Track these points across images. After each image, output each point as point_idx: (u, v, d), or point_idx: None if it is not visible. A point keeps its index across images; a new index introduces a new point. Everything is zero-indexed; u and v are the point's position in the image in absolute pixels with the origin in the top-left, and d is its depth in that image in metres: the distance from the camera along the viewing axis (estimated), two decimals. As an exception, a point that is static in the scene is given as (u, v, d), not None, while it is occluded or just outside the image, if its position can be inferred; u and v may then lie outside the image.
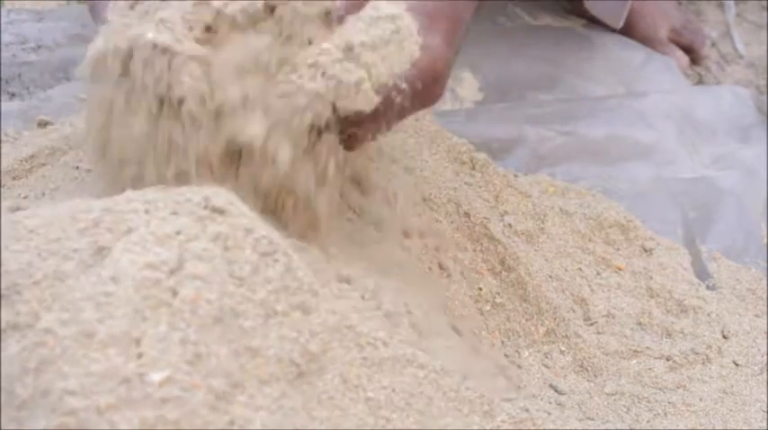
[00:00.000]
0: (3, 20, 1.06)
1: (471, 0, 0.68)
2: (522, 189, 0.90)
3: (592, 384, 0.77)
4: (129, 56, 0.61)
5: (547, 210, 0.89)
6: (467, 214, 0.83)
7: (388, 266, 0.72)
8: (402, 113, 0.64)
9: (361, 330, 0.62)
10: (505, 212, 0.87)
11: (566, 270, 0.85)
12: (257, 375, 0.57)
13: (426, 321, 0.68)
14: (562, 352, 0.79)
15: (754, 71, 1.22)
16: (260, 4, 0.62)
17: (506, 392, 0.71)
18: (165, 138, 0.62)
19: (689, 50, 1.25)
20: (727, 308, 0.86)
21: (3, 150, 0.86)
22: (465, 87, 1.08)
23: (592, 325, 0.82)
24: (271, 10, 0.62)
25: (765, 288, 0.90)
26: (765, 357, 0.81)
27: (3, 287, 0.58)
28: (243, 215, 0.60)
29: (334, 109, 0.61)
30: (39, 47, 1.03)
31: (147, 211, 0.59)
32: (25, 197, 0.78)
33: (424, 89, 0.64)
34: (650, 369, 0.78)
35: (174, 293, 0.55)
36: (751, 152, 1.06)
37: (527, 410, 0.68)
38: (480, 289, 0.80)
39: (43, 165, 0.83)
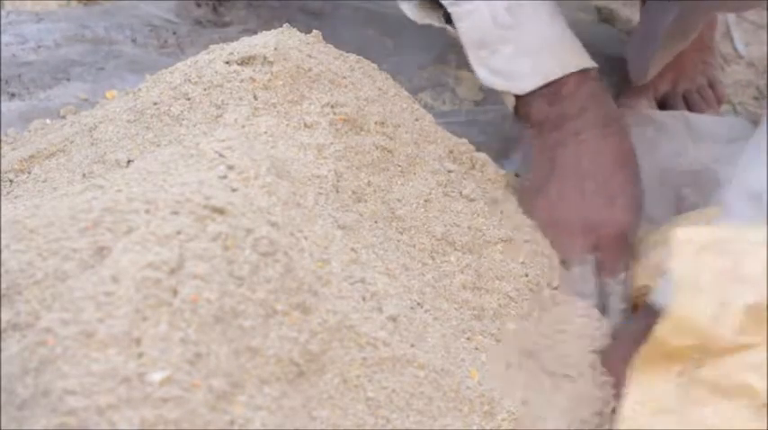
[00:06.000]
0: (3, 20, 1.06)
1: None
2: (522, 189, 0.90)
3: (592, 384, 0.77)
4: None
5: (547, 210, 0.88)
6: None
7: None
8: None
9: (361, 330, 0.62)
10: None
11: (565, 270, 0.85)
12: (257, 375, 0.57)
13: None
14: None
15: (755, 71, 1.22)
16: None
17: None
18: None
19: None
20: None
21: (3, 150, 0.86)
22: (465, 87, 1.08)
23: (592, 325, 0.82)
24: None
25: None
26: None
27: (3, 287, 0.58)
28: (243, 215, 0.60)
29: None
30: (39, 47, 1.04)
31: (147, 211, 0.59)
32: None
33: None
34: (650, 369, 0.78)
35: (175, 293, 0.55)
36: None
37: (527, 403, 0.68)
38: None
39: (44, 164, 0.83)
